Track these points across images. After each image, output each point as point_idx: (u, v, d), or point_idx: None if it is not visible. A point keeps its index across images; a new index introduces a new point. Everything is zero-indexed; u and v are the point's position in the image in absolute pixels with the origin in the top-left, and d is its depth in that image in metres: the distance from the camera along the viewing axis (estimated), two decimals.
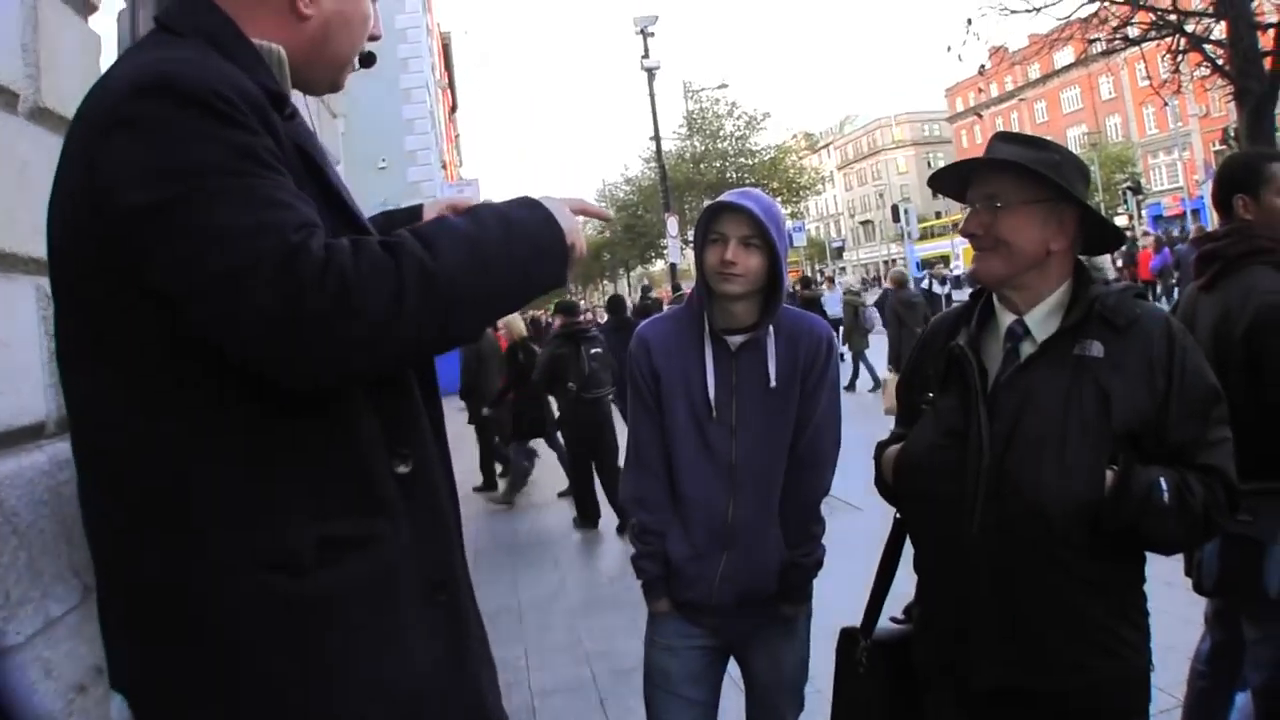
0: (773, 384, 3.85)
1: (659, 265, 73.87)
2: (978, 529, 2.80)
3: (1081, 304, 2.89)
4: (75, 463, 2.08)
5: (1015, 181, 2.93)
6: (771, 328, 3.89)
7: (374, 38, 2.40)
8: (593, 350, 12.56)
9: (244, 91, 1.91)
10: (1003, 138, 3.14)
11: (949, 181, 3.21)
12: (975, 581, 2.84)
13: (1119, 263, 31.60)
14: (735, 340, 3.88)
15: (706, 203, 3.98)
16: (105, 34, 4.31)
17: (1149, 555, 2.94)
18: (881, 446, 3.38)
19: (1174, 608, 6.52)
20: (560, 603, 9.72)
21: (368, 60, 2.44)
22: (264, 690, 1.93)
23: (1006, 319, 3.02)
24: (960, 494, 2.85)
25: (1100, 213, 3.08)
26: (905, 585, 3.36)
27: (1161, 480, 2.65)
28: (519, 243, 2.07)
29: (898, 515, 3.37)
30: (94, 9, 4.17)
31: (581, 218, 2.34)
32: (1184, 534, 2.76)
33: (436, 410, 2.36)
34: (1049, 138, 3.35)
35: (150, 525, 1.92)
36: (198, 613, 1.91)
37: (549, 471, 15.48)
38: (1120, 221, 55.38)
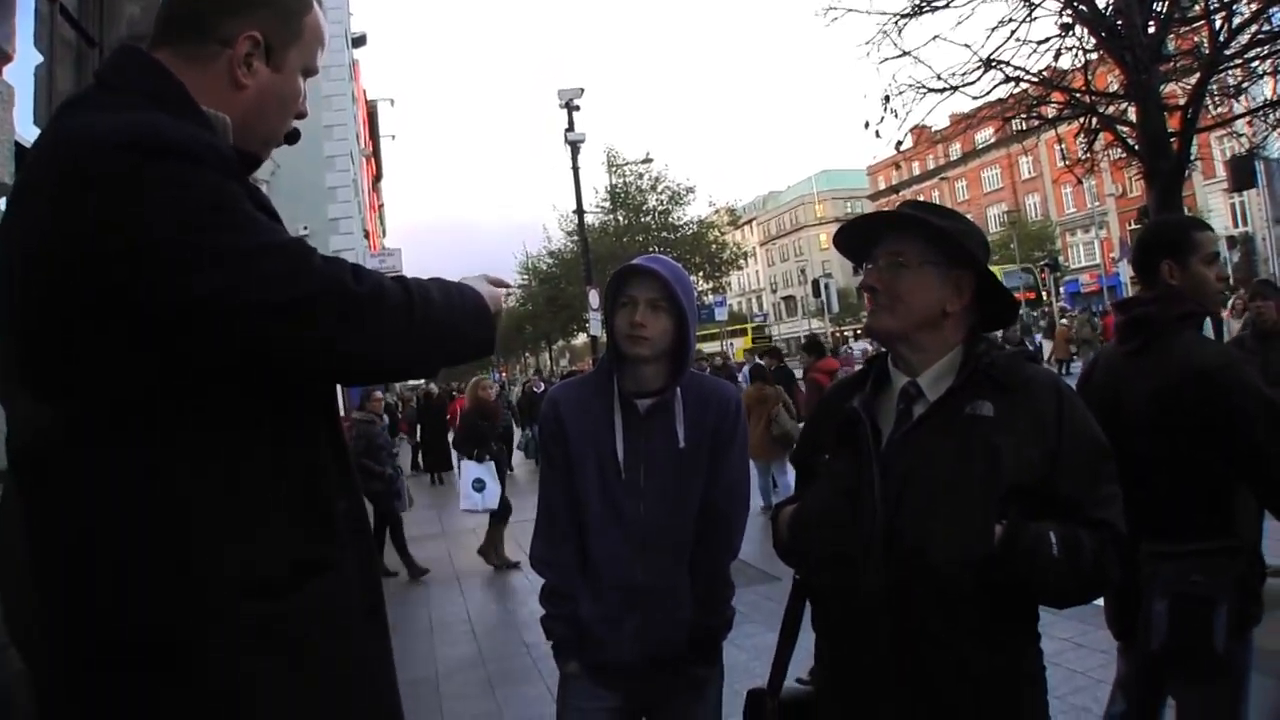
0: (681, 445, 3.89)
1: (581, 338, 73.90)
2: (873, 587, 2.81)
3: (971, 364, 2.94)
4: (19, 499, 2.05)
5: (919, 242, 3.00)
6: (680, 390, 3.94)
7: (300, 115, 2.46)
8: None
9: (223, 149, 2.04)
10: (911, 205, 3.21)
11: (854, 240, 3.25)
12: (874, 640, 2.84)
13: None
14: (644, 403, 3.93)
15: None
16: (19, 86, 4.29)
17: (1059, 617, 2.96)
18: (779, 508, 3.40)
19: (1086, 668, 6.60)
20: (478, 671, 9.63)
21: (292, 137, 2.49)
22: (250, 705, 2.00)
23: (900, 381, 3.07)
24: (854, 553, 2.87)
25: (998, 279, 3.12)
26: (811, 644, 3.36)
27: (1050, 534, 2.67)
28: (465, 302, 2.33)
29: (797, 576, 3.38)
30: (8, 59, 4.15)
31: (502, 290, 2.57)
32: (1075, 587, 2.77)
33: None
34: (968, 215, 3.43)
35: (130, 562, 1.95)
36: (186, 642, 1.95)
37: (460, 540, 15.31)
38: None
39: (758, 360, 22.35)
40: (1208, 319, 4.50)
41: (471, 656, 10.13)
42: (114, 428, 1.96)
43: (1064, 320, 50.79)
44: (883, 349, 3.28)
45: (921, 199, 4.27)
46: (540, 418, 4.17)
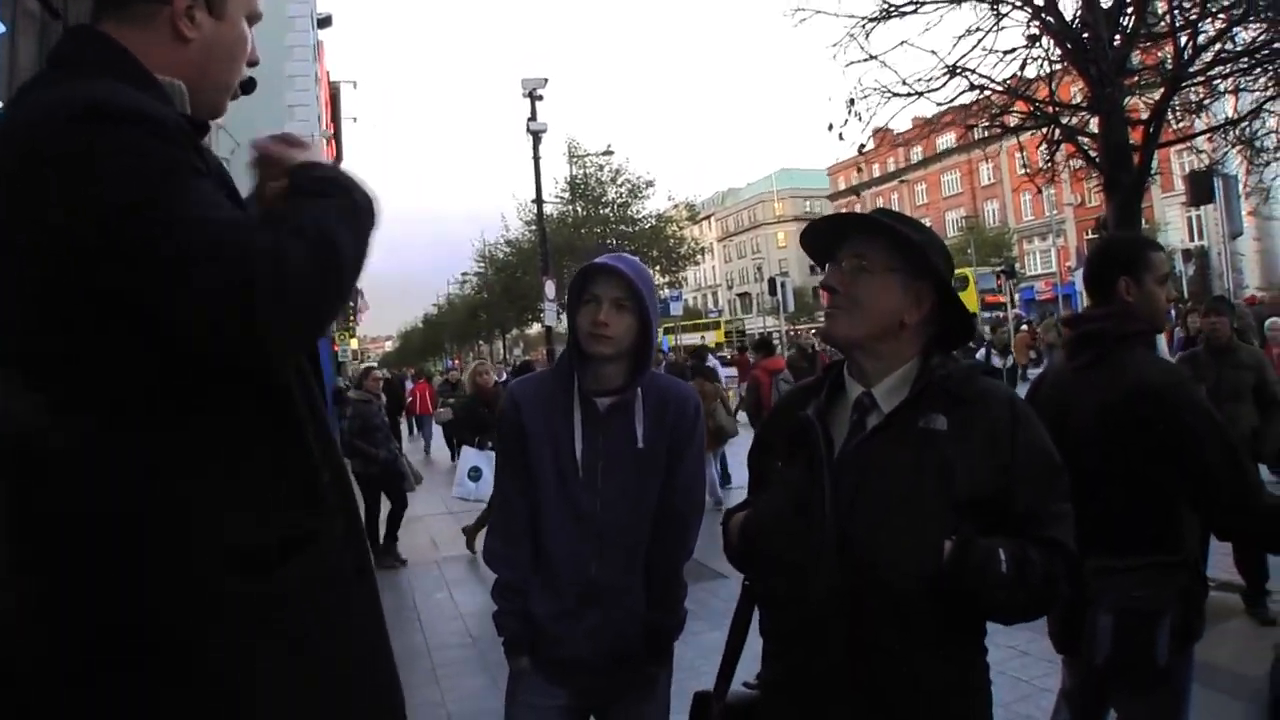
0: (640, 445, 3.90)
1: (535, 328, 73.80)
2: (823, 595, 2.81)
3: (925, 377, 2.94)
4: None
5: (884, 248, 3.00)
6: (640, 390, 3.94)
7: (252, 63, 2.44)
8: None
9: (172, 120, 2.01)
10: (882, 212, 3.20)
11: (820, 240, 3.24)
12: (825, 647, 2.85)
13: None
14: (604, 402, 3.94)
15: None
16: None
17: (1005, 626, 2.98)
18: (730, 513, 3.39)
19: (1030, 676, 6.65)
20: (423, 662, 9.60)
21: (248, 86, 2.48)
22: (249, 676, 2.02)
23: (855, 391, 3.07)
24: (802, 560, 2.87)
25: (958, 296, 3.14)
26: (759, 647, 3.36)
27: (1000, 551, 2.67)
28: (363, 211, 2.23)
29: (746, 581, 3.37)
30: None
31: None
32: (1024, 603, 2.77)
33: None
34: (926, 219, 3.43)
35: (124, 553, 1.95)
36: (185, 631, 1.97)
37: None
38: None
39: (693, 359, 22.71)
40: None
41: (417, 646, 10.13)
42: (101, 414, 1.96)
43: (1024, 326, 51.17)
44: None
45: (881, 202, 4.28)
46: (500, 413, 4.15)
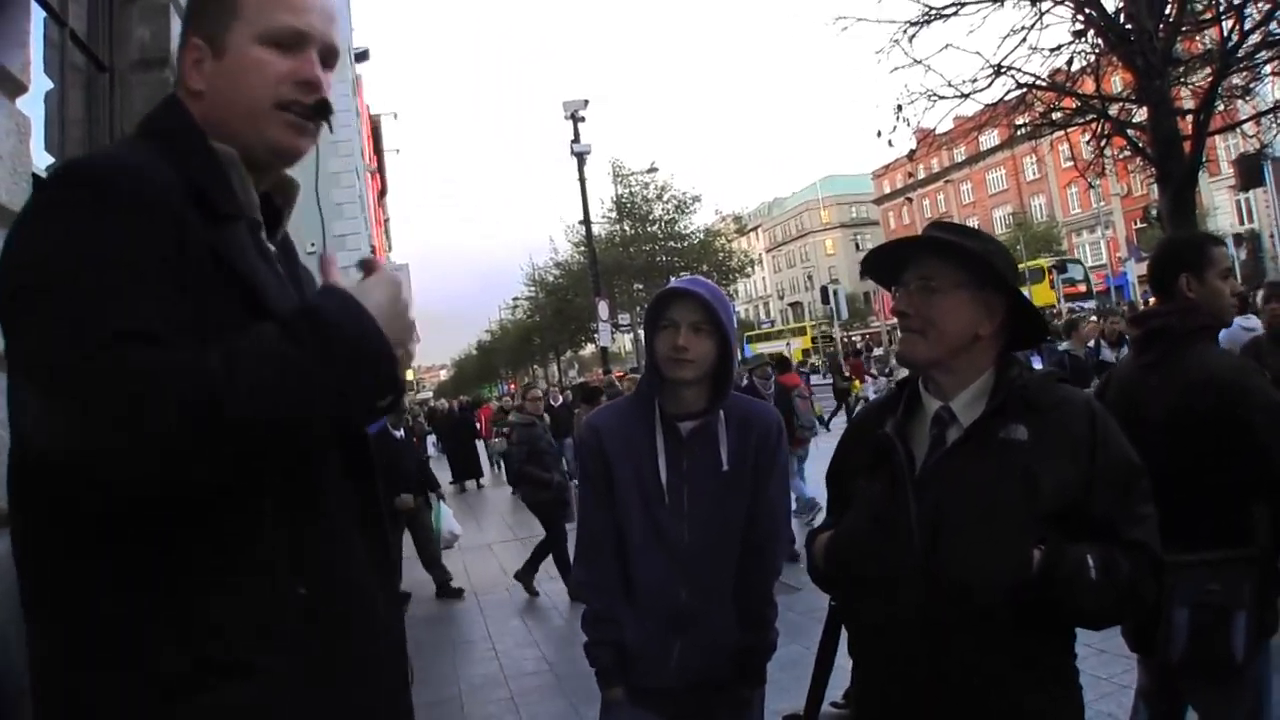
0: (724, 468, 3.89)
1: (589, 349, 73.84)
2: (910, 613, 2.81)
3: (1004, 388, 2.93)
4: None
5: (951, 266, 3.00)
6: (722, 413, 3.93)
7: (308, 82, 2.27)
8: None
9: (160, 187, 1.95)
10: (938, 226, 3.22)
11: (880, 266, 3.26)
12: (911, 666, 2.85)
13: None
14: (686, 426, 3.94)
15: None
16: (31, 114, 4.28)
17: (1094, 630, 2.96)
18: (814, 534, 3.37)
19: (1110, 674, 6.58)
20: (499, 691, 9.58)
21: (321, 109, 2.31)
22: None
23: (933, 405, 3.06)
24: (891, 579, 2.87)
25: (1030, 301, 3.14)
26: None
27: (1088, 557, 2.66)
28: (340, 360, 1.90)
29: (833, 602, 3.36)
30: (23, 90, 4.13)
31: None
32: (1112, 609, 2.78)
33: (377, 528, 2.34)
34: (973, 218, 3.42)
35: (47, 635, 1.95)
36: None
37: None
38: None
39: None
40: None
41: (494, 675, 10.08)
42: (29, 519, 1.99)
43: (1094, 318, 50.85)
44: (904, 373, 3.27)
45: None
46: (580, 443, 4.18)
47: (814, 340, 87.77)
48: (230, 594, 1.93)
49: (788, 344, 72.64)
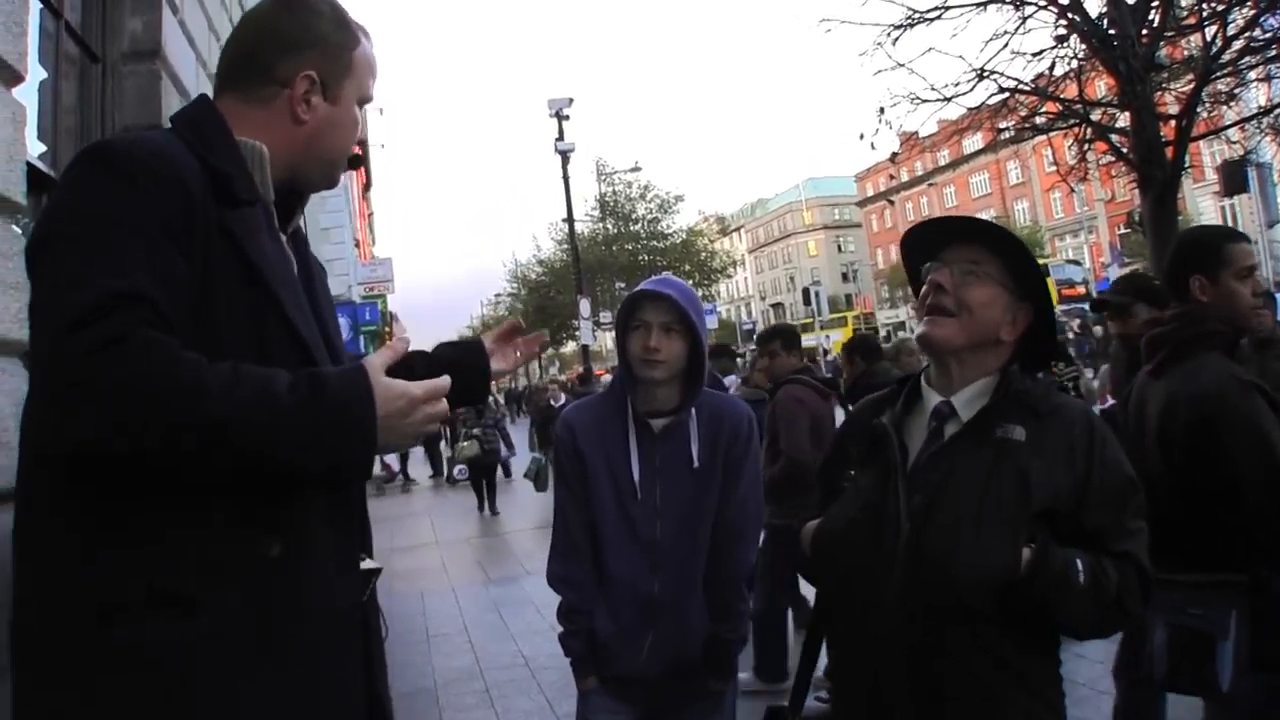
0: (695, 464, 3.93)
1: (570, 346, 73.86)
2: (893, 602, 2.79)
3: (1005, 389, 2.93)
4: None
5: (998, 264, 3.00)
6: (694, 410, 3.97)
7: (360, 141, 2.67)
8: None
9: (173, 164, 2.10)
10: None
11: (920, 240, 3.23)
12: (889, 657, 2.83)
13: None
14: (658, 423, 3.98)
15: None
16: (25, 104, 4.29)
17: (1078, 640, 2.95)
18: (801, 523, 3.35)
19: (1089, 679, 6.59)
20: (475, 684, 9.57)
21: (355, 161, 2.69)
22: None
23: (933, 400, 3.05)
24: (874, 567, 2.85)
25: (1053, 327, 3.14)
26: None
27: (1077, 560, 2.65)
28: (323, 428, 2.00)
29: (819, 593, 3.37)
30: (20, 80, 4.15)
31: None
32: (1098, 617, 2.74)
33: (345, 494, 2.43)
34: None
35: (25, 572, 2.06)
36: (42, 655, 2.01)
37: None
38: None
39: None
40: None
41: (469, 667, 10.08)
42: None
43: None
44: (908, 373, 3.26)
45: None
46: (555, 439, 4.20)
47: (855, 332, 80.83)
48: (199, 537, 2.03)
49: (827, 336, 69.73)
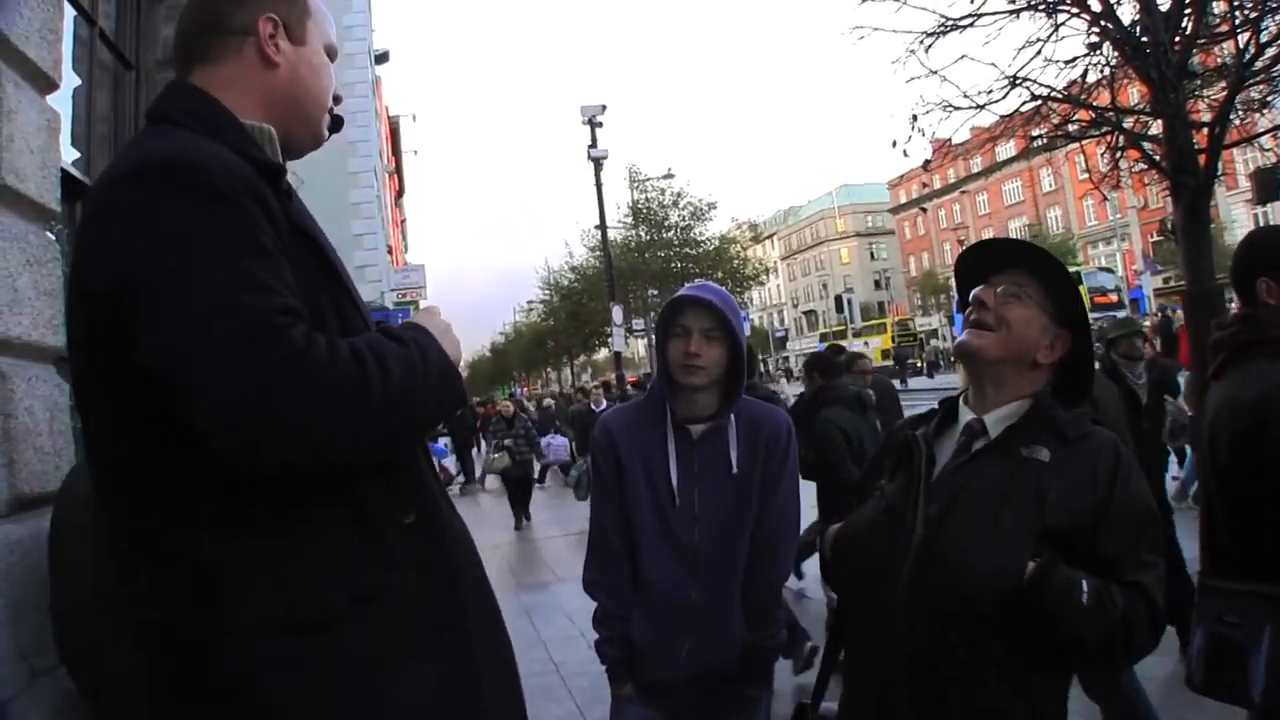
0: (734, 471, 3.94)
1: (602, 353, 73.86)
2: (900, 603, 2.83)
3: (1035, 411, 2.96)
4: (110, 536, 2.14)
5: (1041, 289, 3.07)
6: (733, 416, 4.00)
7: (336, 99, 2.59)
8: None
9: (236, 173, 2.06)
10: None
11: (977, 263, 3.27)
12: (894, 656, 2.86)
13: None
14: (697, 429, 4.00)
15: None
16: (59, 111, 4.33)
17: (1085, 669, 2.94)
18: (826, 528, 3.39)
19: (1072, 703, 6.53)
20: None
21: (336, 124, 2.62)
22: None
23: (967, 417, 3.09)
24: (887, 570, 2.89)
25: (1091, 360, 3.19)
26: None
27: (1082, 581, 2.65)
28: (428, 367, 2.16)
29: (838, 595, 3.40)
30: (55, 87, 4.18)
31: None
32: (1102, 641, 2.69)
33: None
34: (989, 229, 3.41)
35: (181, 596, 2.02)
36: (227, 678, 2.01)
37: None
38: None
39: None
40: None
41: None
42: (152, 482, 2.06)
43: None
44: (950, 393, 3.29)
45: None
46: (593, 443, 4.23)
47: (894, 340, 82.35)
48: (353, 525, 2.16)
49: (865, 343, 68.67)
